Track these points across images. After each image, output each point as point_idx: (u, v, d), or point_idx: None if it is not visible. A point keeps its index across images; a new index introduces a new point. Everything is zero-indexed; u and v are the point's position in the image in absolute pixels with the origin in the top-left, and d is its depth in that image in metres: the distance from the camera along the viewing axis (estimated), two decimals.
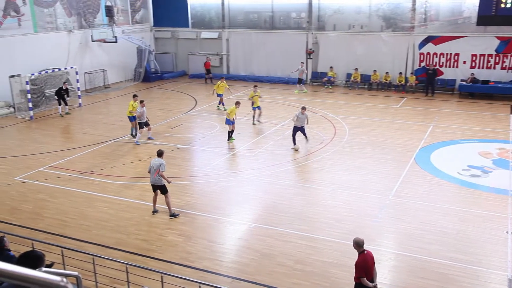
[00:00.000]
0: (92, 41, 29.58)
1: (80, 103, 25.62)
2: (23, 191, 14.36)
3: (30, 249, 8.29)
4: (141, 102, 18.79)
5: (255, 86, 21.92)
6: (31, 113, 23.04)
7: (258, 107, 21.49)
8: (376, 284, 8.06)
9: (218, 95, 24.04)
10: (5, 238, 8.01)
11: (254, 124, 21.31)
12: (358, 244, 8.02)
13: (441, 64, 28.11)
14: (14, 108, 23.95)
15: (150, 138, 19.14)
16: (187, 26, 34.85)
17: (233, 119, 18.78)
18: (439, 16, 28.64)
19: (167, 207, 12.55)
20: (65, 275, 2.00)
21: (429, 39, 28.07)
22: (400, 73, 28.65)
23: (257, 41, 32.61)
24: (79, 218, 12.51)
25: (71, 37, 28.59)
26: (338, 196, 13.71)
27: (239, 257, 10.66)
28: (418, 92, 28.06)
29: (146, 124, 18.90)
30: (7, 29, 24.86)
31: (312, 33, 31.00)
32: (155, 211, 12.74)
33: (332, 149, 17.78)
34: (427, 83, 27.72)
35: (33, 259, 4.55)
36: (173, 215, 12.48)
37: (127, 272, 8.84)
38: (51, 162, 16.77)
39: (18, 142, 19.55)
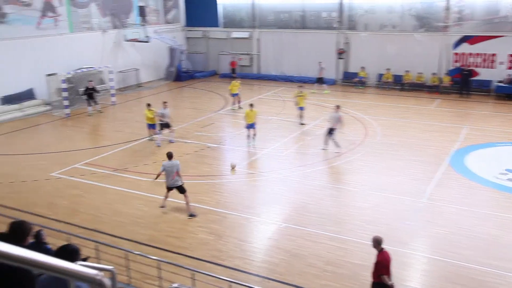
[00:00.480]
0: (125, 40, 30.08)
1: (113, 102, 26.09)
2: (59, 187, 14.72)
3: (66, 243, 8.49)
4: (164, 103, 19.00)
5: (300, 86, 21.29)
6: (67, 110, 23.59)
7: (301, 108, 21.01)
8: (393, 283, 8.07)
9: (233, 95, 24.10)
10: (42, 232, 8.22)
11: (302, 124, 20.91)
12: (378, 242, 8.00)
13: (476, 64, 27.47)
14: (50, 106, 24.56)
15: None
16: (218, 25, 35.05)
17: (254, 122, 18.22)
18: (475, 15, 27.93)
19: (188, 207, 12.60)
20: (100, 269, 2.04)
21: (464, 39, 27.46)
22: (434, 74, 28.13)
23: (287, 41, 32.53)
24: (112, 214, 12.74)
25: (105, 37, 29.14)
26: (369, 198, 13.56)
27: (269, 256, 10.67)
28: (453, 93, 27.50)
29: (167, 125, 18.86)
30: (44, 29, 25.53)
31: (343, 33, 30.74)
32: (163, 207, 12.91)
33: (363, 150, 17.59)
34: (462, 84, 27.13)
35: (70, 253, 4.65)
36: (191, 215, 12.52)
37: (159, 269, 8.97)
38: (85, 159, 17.14)
39: (54, 139, 20.06)
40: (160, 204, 13.00)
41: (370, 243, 8.30)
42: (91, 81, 24.33)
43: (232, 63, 32.78)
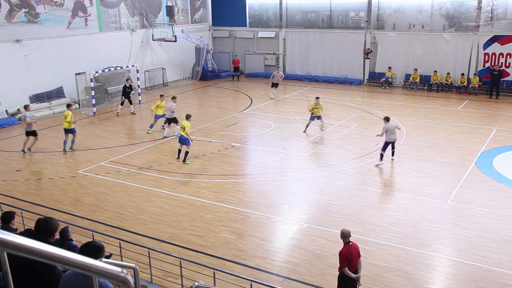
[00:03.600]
0: (153, 40, 30.43)
1: (140, 100, 26.43)
2: (85, 184, 15.00)
3: (91, 239, 8.65)
4: (173, 98, 19.70)
5: (317, 98, 19.94)
6: (94, 109, 24.01)
7: (319, 117, 19.74)
8: (360, 276, 8.20)
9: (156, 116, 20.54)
10: (68, 229, 8.40)
11: (322, 131, 19.99)
12: (344, 235, 8.26)
13: (507, 65, 26.80)
14: (79, 104, 25.05)
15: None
16: (244, 25, 35.13)
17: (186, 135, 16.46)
18: (507, 15, 27.27)
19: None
20: (124, 267, 2.06)
21: (495, 39, 26.83)
22: (462, 74, 27.57)
23: (314, 41, 32.36)
24: (136, 212, 12.91)
25: (133, 36, 29.55)
26: (393, 199, 13.40)
27: (290, 256, 10.64)
28: (481, 94, 26.91)
29: (175, 120, 19.34)
30: (75, 28, 26.06)
31: (371, 33, 30.41)
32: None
33: (389, 151, 17.34)
34: (492, 84, 26.51)
35: (94, 250, 4.73)
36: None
37: (181, 267, 9.05)
38: (111, 157, 17.42)
39: (81, 136, 20.40)
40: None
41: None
42: (128, 79, 24.56)
43: (235, 62, 33.14)
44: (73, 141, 18.30)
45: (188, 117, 16.64)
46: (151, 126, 20.31)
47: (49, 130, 21.32)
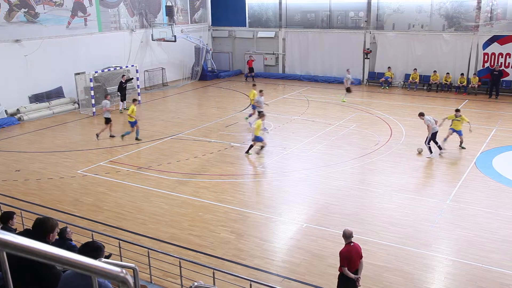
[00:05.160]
0: (152, 40, 30.42)
1: (139, 101, 26.40)
2: (84, 184, 14.99)
3: (90, 239, 8.65)
4: (261, 91, 20.59)
5: (457, 110, 17.73)
6: (94, 109, 24.00)
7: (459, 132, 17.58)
8: (359, 277, 8.18)
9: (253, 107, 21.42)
10: (67, 229, 8.40)
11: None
12: (346, 235, 8.28)
13: (507, 65, 26.81)
14: (78, 104, 25.04)
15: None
16: (244, 25, 35.13)
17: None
18: (507, 15, 27.29)
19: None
20: (123, 267, 2.06)
21: (494, 39, 26.85)
22: (462, 74, 27.58)
23: (313, 41, 32.37)
24: (135, 212, 12.91)
25: (132, 36, 29.55)
26: (393, 199, 13.40)
27: (290, 256, 10.64)
28: (481, 94, 26.93)
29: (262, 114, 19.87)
30: (74, 28, 26.05)
31: (370, 33, 30.42)
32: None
33: (388, 151, 17.38)
34: (491, 84, 26.53)
35: (94, 250, 4.73)
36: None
37: (180, 267, 9.05)
38: (111, 157, 17.41)
39: (81, 136, 20.42)
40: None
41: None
42: (124, 75, 24.61)
43: (249, 62, 32.84)
44: (137, 132, 19.43)
45: (261, 115, 17.55)
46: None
47: (49, 130, 21.32)
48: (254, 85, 22.36)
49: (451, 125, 17.37)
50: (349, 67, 30.03)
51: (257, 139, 16.98)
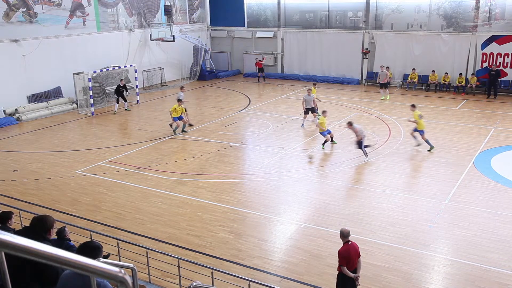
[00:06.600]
0: (151, 40, 30.41)
1: (138, 100, 26.42)
2: (83, 184, 14.98)
3: (89, 239, 8.64)
4: (309, 90, 21.07)
5: (324, 111, 18.52)
6: (92, 109, 23.98)
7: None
8: (358, 276, 8.20)
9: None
10: (66, 229, 8.38)
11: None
12: (343, 235, 8.29)
13: (505, 65, 26.85)
14: (76, 104, 25.02)
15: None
16: (243, 25, 35.13)
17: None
18: (505, 15, 27.33)
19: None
20: (122, 267, 2.06)
21: (492, 39, 26.88)
22: (460, 74, 27.61)
23: (312, 41, 32.37)
24: (134, 212, 12.90)
25: (131, 36, 29.53)
26: (391, 199, 13.40)
27: (288, 256, 10.64)
28: (479, 94, 26.96)
29: (314, 110, 20.82)
30: (72, 28, 26.03)
31: (369, 33, 30.44)
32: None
33: (387, 151, 17.40)
34: (490, 84, 26.56)
35: (92, 250, 4.73)
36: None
37: (179, 267, 9.04)
38: (109, 157, 17.40)
39: (79, 136, 20.41)
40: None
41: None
42: (122, 79, 24.71)
43: (258, 63, 32.60)
44: (184, 125, 20.22)
45: (323, 112, 18.29)
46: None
47: (47, 130, 21.30)
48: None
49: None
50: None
51: (323, 134, 17.88)
